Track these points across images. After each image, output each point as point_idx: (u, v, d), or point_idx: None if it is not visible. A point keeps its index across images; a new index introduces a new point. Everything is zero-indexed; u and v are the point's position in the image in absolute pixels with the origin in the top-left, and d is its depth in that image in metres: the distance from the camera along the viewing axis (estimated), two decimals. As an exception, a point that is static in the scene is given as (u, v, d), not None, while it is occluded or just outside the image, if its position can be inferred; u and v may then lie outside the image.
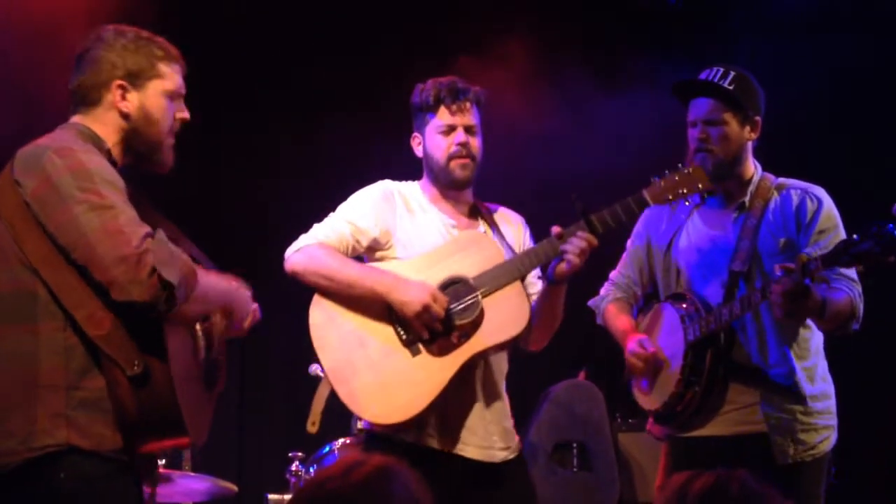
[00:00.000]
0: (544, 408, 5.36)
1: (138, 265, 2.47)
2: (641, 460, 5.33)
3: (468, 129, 3.47)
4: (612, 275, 3.86)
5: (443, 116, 3.47)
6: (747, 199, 3.57)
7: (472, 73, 4.07)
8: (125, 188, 2.62)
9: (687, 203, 3.48)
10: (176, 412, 2.54)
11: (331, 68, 5.76)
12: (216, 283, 2.79)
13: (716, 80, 3.54)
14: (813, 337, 3.55)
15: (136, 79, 2.75)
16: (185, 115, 2.85)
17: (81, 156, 2.60)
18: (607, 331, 3.81)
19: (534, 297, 3.50)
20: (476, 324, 3.33)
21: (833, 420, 3.54)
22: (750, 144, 3.59)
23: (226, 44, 5.42)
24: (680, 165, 3.40)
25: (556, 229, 3.35)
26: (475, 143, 3.48)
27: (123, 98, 2.74)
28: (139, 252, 2.48)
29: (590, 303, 3.88)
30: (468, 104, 3.47)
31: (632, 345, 3.58)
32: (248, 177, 5.71)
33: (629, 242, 3.83)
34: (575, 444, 5.28)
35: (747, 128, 3.56)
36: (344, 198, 3.55)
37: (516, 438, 3.53)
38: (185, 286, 2.56)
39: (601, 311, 3.84)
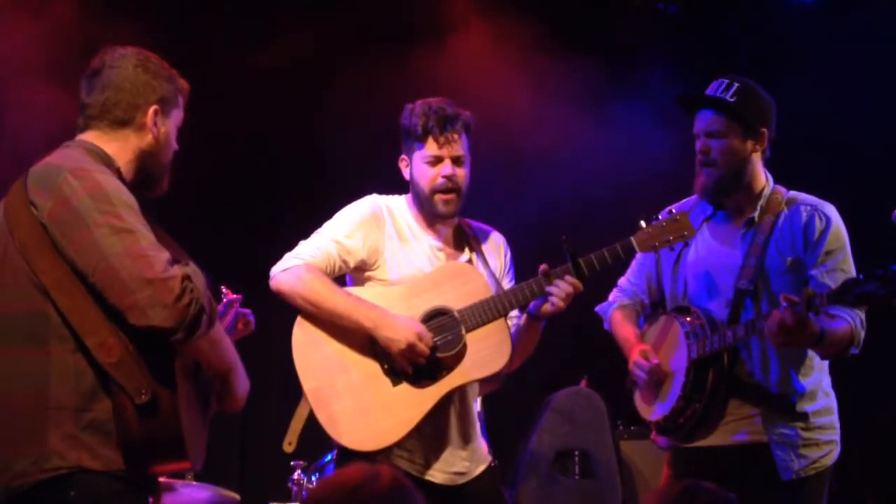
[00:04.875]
0: (546, 416, 5.36)
1: (164, 289, 2.46)
2: (643, 468, 5.32)
3: (455, 161, 3.47)
4: (621, 281, 3.86)
5: (430, 147, 3.46)
6: (756, 214, 3.54)
7: (468, 85, 4.09)
8: (140, 209, 2.62)
9: (674, 245, 3.44)
10: (179, 440, 2.54)
11: (328, 74, 5.78)
12: (230, 347, 2.80)
13: (719, 92, 3.51)
14: (817, 356, 3.54)
15: (165, 105, 2.80)
16: (176, 146, 2.90)
17: (98, 177, 2.60)
18: (613, 337, 3.81)
19: (511, 325, 3.51)
20: (458, 358, 3.37)
21: (835, 435, 3.53)
22: (757, 157, 3.55)
23: (222, 55, 5.43)
24: (670, 212, 3.41)
25: (543, 268, 3.37)
26: (461, 173, 3.48)
27: (155, 124, 2.77)
28: (165, 276, 2.48)
29: (597, 308, 3.87)
30: (456, 135, 3.45)
31: (635, 355, 3.57)
32: (249, 183, 5.72)
33: (639, 253, 3.80)
34: (577, 452, 5.27)
35: (750, 141, 3.51)
36: (340, 203, 3.56)
37: (483, 452, 3.56)
38: (209, 317, 2.55)
39: (608, 317, 3.83)
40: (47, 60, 4.74)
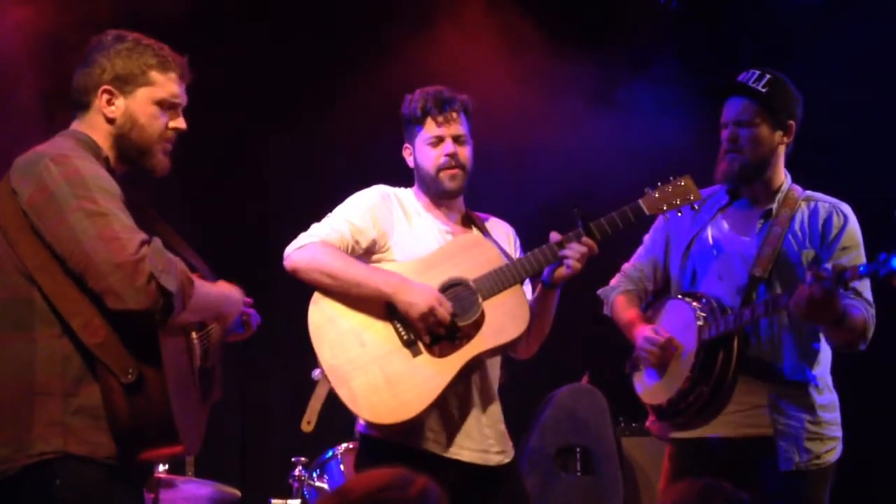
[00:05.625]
0: (547, 412, 5.36)
1: (135, 272, 2.46)
2: (645, 465, 5.32)
3: (456, 139, 3.48)
4: (625, 267, 3.85)
5: (430, 128, 3.48)
6: (775, 206, 3.56)
7: (468, 82, 4.07)
8: (122, 195, 2.61)
9: (682, 208, 3.45)
10: (169, 421, 2.53)
11: (331, 69, 5.78)
12: (210, 292, 2.79)
13: (751, 82, 3.54)
14: (823, 349, 3.54)
15: (124, 84, 2.75)
16: (181, 125, 2.84)
17: (77, 162, 2.60)
18: (614, 321, 3.79)
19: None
20: (477, 326, 3.34)
21: (839, 432, 3.53)
22: (782, 150, 3.59)
23: (227, 49, 5.42)
24: (672, 178, 3.44)
25: (555, 235, 3.38)
26: (464, 152, 3.49)
27: (109, 103, 2.74)
28: (135, 259, 2.48)
29: (599, 292, 3.86)
30: (455, 114, 3.48)
31: (646, 332, 3.57)
32: (249, 180, 5.72)
33: (647, 237, 3.81)
34: (578, 449, 5.28)
35: (779, 132, 3.55)
36: (343, 199, 3.55)
37: (510, 443, 3.54)
38: (182, 295, 2.55)
39: (610, 302, 3.82)
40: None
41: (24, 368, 2.55)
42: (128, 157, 2.78)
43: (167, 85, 2.79)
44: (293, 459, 4.73)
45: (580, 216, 3.36)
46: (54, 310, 2.55)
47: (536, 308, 3.47)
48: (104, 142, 2.75)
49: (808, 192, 3.62)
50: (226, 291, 2.89)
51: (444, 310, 3.29)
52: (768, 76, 3.55)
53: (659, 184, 3.44)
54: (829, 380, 3.56)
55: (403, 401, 3.28)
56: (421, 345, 3.33)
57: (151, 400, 2.52)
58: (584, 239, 3.34)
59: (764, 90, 3.52)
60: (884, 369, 5.15)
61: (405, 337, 3.34)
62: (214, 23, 5.51)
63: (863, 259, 3.48)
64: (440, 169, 3.48)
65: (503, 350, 3.47)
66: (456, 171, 3.48)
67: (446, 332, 3.32)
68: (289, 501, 4.75)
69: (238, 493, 4.71)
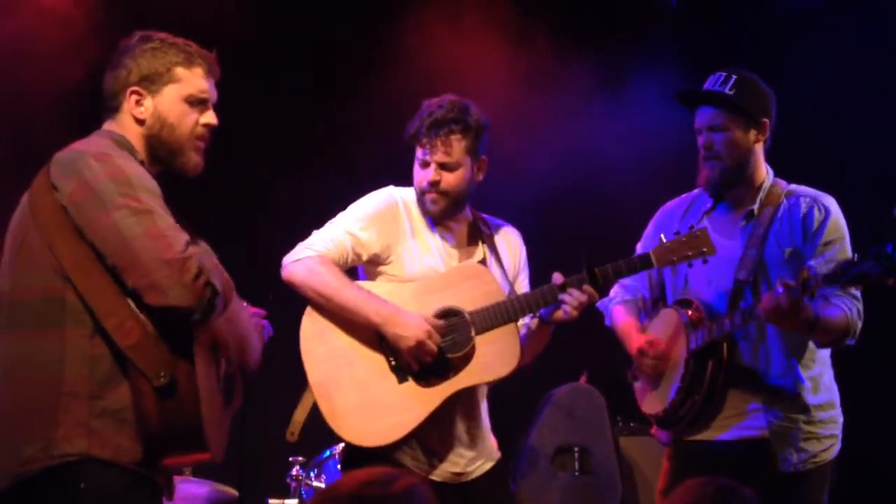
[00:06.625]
0: (546, 411, 5.35)
1: (182, 269, 2.46)
2: (643, 464, 5.31)
3: (442, 166, 3.42)
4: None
5: (419, 150, 3.44)
6: (756, 206, 3.55)
7: (467, 81, 4.08)
8: (162, 195, 2.60)
9: (693, 262, 3.41)
10: (199, 426, 2.52)
11: (331, 69, 5.77)
12: (242, 313, 2.78)
13: (717, 86, 3.52)
14: (818, 348, 3.53)
15: (150, 84, 2.74)
16: (212, 120, 2.82)
17: (119, 161, 2.59)
18: (614, 332, 3.80)
19: (521, 324, 3.49)
20: (466, 359, 3.35)
21: (837, 430, 3.54)
22: (760, 148, 3.57)
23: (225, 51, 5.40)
24: (692, 227, 3.41)
25: (557, 277, 3.35)
26: (449, 178, 3.42)
27: (138, 104, 2.74)
28: (184, 257, 2.47)
29: (598, 304, 3.87)
30: (440, 141, 3.38)
31: (640, 342, 3.58)
32: (248, 182, 5.71)
33: (639, 246, 3.81)
34: (576, 448, 5.26)
35: (753, 131, 3.53)
36: (345, 199, 3.53)
37: (491, 448, 3.53)
38: (223, 298, 2.54)
39: (609, 313, 3.84)
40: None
41: (53, 367, 2.53)
42: (159, 158, 2.77)
43: (193, 80, 2.78)
44: (290, 459, 4.72)
45: (585, 260, 3.33)
46: (88, 309, 2.53)
47: (528, 339, 3.47)
48: (137, 143, 2.73)
49: (792, 186, 3.59)
50: (253, 322, 2.87)
51: (433, 343, 3.29)
52: (735, 77, 3.51)
53: (676, 234, 3.39)
54: (825, 378, 3.56)
55: (382, 427, 3.30)
56: (408, 372, 3.33)
57: (182, 404, 2.50)
58: (586, 287, 3.32)
59: (731, 93, 3.49)
60: (882, 365, 5.16)
61: (393, 363, 3.35)
62: (213, 23, 5.49)
63: (848, 252, 3.45)
64: (422, 192, 3.45)
65: (489, 386, 3.48)
66: (435, 196, 3.44)
67: (434, 363, 3.32)
68: (286, 501, 4.75)
69: (235, 492, 4.70)
